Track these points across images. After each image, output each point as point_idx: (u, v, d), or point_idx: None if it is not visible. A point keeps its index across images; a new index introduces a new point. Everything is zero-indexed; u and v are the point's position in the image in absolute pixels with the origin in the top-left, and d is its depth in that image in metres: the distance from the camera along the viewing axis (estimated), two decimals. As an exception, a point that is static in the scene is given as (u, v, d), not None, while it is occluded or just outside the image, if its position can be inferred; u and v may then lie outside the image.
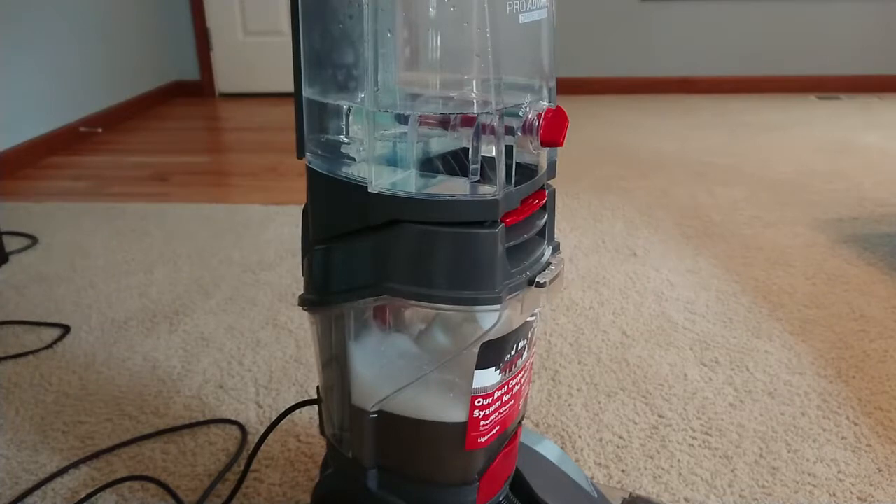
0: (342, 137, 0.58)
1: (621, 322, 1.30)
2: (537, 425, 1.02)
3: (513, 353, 0.61)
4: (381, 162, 0.56)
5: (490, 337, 0.57)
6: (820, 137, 2.58)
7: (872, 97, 3.24)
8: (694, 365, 1.16)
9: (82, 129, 2.62)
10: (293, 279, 1.48)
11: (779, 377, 1.12)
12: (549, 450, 0.80)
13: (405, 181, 0.55)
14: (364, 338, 0.62)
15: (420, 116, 0.53)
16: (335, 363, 0.63)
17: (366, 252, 0.56)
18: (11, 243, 1.69)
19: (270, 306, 1.37)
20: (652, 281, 1.45)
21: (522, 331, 0.61)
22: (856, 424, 1.01)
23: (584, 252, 1.60)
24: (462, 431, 0.60)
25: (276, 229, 1.75)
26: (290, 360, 1.19)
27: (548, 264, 0.60)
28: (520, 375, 0.64)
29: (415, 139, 0.55)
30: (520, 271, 0.57)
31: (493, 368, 0.59)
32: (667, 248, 1.62)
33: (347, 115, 0.57)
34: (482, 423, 0.61)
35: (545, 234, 0.62)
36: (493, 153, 0.54)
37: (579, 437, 1.00)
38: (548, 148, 0.55)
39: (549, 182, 0.62)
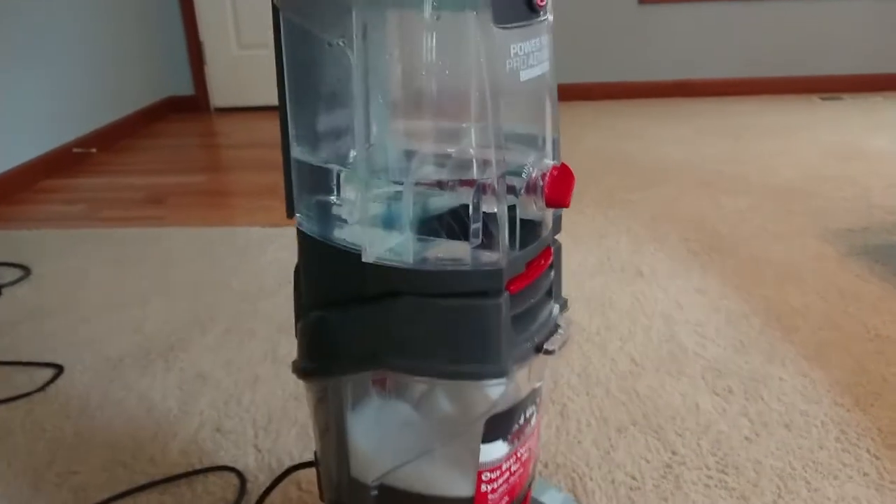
0: (333, 199, 0.54)
1: (629, 349, 1.26)
2: (546, 465, 0.98)
3: (521, 421, 0.57)
4: (375, 223, 0.53)
5: (497, 410, 0.53)
6: (825, 141, 2.54)
7: (876, 97, 3.19)
8: (706, 394, 1.12)
9: (76, 149, 2.59)
10: (292, 309, 1.44)
11: (794, 406, 1.09)
12: (553, 499, 0.76)
13: (402, 248, 0.51)
14: (362, 406, 0.58)
15: (416, 183, 0.49)
16: (332, 433, 0.59)
17: (362, 324, 0.53)
18: (4, 275, 1.66)
19: (269, 338, 1.34)
20: (660, 303, 1.42)
21: (531, 398, 0.57)
22: (877, 458, 0.97)
23: (588, 272, 1.56)
24: (469, 506, 0.57)
25: (276, 253, 1.72)
26: (289, 398, 1.16)
27: (556, 327, 0.56)
28: (529, 442, 0.60)
29: (410, 204, 0.51)
30: (526, 338, 0.53)
31: (501, 440, 0.56)
32: (674, 266, 1.58)
33: (338, 176, 0.54)
34: (490, 496, 0.57)
35: (552, 292, 0.58)
36: (494, 208, 0.50)
37: (590, 478, 0.96)
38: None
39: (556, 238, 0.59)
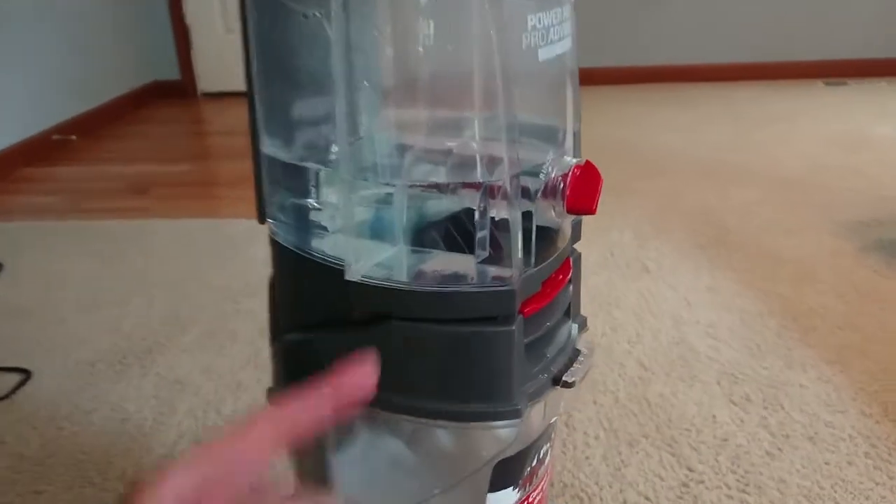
0: (311, 203, 0.46)
1: (638, 352, 1.18)
2: (552, 485, 0.90)
3: (534, 463, 0.49)
4: (361, 233, 0.44)
5: (506, 454, 0.45)
6: (830, 129, 2.46)
7: (881, 82, 3.11)
8: (722, 404, 1.05)
9: (55, 136, 2.48)
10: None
11: (818, 417, 1.01)
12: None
13: (393, 262, 0.43)
14: (347, 444, 0.50)
15: (410, 186, 0.41)
16: (312, 475, 0.51)
17: (346, 352, 0.44)
18: (-26, 271, 1.56)
19: (252, 341, 1.25)
20: (668, 301, 1.34)
21: (545, 435, 0.49)
22: (911, 476, 0.89)
23: (592, 268, 1.48)
24: (473, 561, 0.49)
25: (263, 246, 1.62)
26: (274, 408, 1.07)
27: (576, 353, 0.48)
28: (542, 483, 0.52)
29: (403, 209, 0.42)
30: (542, 369, 0.45)
31: (511, 487, 0.47)
32: (681, 261, 1.50)
33: (317, 176, 0.45)
34: (497, 548, 0.49)
35: (570, 311, 0.50)
36: (506, 216, 0.42)
37: (601, 499, 0.88)
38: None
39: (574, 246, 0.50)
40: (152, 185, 2.14)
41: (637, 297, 1.36)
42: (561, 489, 0.90)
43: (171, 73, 3.25)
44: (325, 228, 0.45)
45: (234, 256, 1.59)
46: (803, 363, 1.14)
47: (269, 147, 0.46)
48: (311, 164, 0.44)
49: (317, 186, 0.45)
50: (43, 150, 2.42)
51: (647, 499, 0.88)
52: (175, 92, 3.24)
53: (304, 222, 0.46)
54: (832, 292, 1.35)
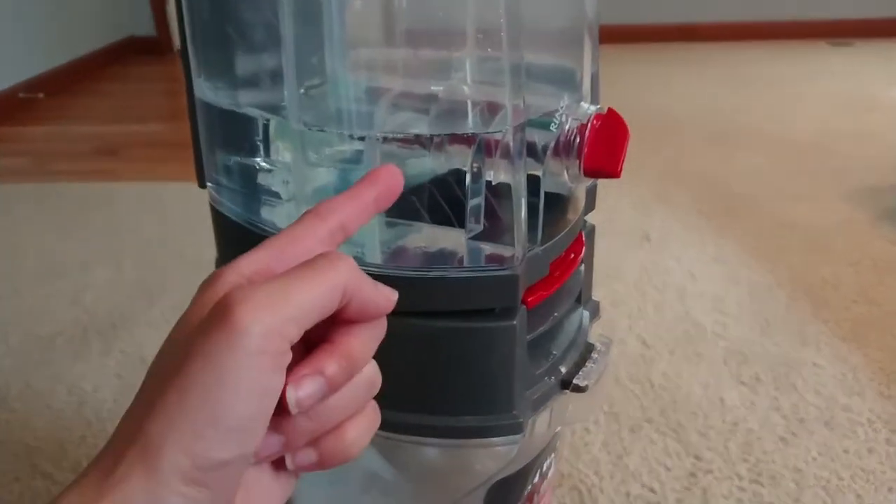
0: (259, 162, 0.36)
1: (640, 328, 1.10)
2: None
3: (535, 480, 0.40)
4: (320, 200, 0.35)
5: (505, 473, 0.36)
6: (839, 91, 2.36)
7: (888, 43, 3.00)
8: (731, 385, 0.97)
9: (21, 94, 2.34)
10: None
11: (835, 400, 0.94)
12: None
13: (362, 240, 0.33)
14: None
15: (385, 139, 0.31)
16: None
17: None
18: (-73, 237, 1.45)
19: (225, 315, 1.16)
20: (672, 273, 1.25)
21: (549, 447, 0.40)
22: (938, 466, 0.82)
23: (590, 236, 1.39)
24: None
25: (237, 213, 1.53)
26: (246, 388, 0.99)
27: (588, 350, 0.39)
28: (545, 497, 0.43)
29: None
30: (548, 370, 0.36)
31: (508, 511, 0.39)
32: (685, 230, 1.41)
33: (266, 129, 0.35)
34: (491, 580, 0.41)
35: (580, 296, 0.41)
36: (506, 179, 0.33)
37: (601, 490, 0.81)
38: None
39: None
40: (122, 147, 2.02)
41: (639, 268, 1.28)
42: (558, 480, 0.82)
43: (147, 29, 3.09)
44: (276, 196, 0.36)
45: (208, 224, 1.49)
46: (817, 340, 1.06)
47: (205, 90, 0.36)
48: (256, 112, 0.35)
49: (265, 141, 0.36)
50: (7, 108, 2.28)
51: (652, 491, 0.80)
52: (150, 48, 3.09)
53: (251, 187, 0.37)
54: (845, 262, 1.27)
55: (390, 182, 0.27)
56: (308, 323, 0.23)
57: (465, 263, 0.32)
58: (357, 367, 0.25)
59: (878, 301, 1.15)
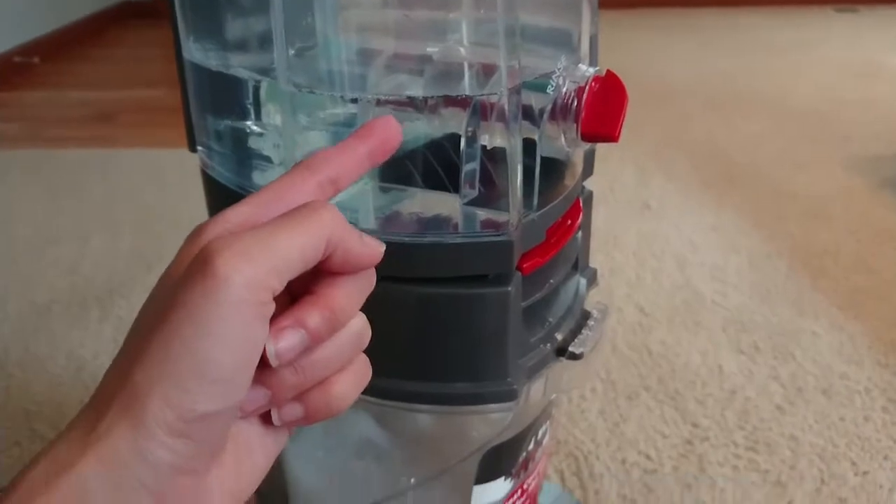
0: (250, 126, 0.35)
1: (638, 296, 1.10)
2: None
3: (530, 448, 0.40)
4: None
5: (499, 441, 0.36)
6: (844, 58, 2.33)
7: (894, 9, 2.95)
8: (730, 353, 0.97)
9: (16, 59, 2.31)
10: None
11: (832, 368, 0.94)
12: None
13: (355, 205, 0.33)
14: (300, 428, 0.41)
15: (378, 101, 0.31)
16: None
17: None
18: (-77, 204, 1.45)
19: (223, 282, 1.16)
20: (671, 241, 1.25)
21: (545, 414, 0.40)
22: (933, 434, 0.83)
23: (590, 204, 1.38)
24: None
25: (235, 180, 1.51)
26: (244, 355, 0.99)
27: (585, 317, 0.38)
28: (539, 466, 0.44)
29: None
30: (544, 337, 0.36)
31: (502, 478, 0.39)
32: (685, 198, 1.40)
33: (256, 91, 0.34)
34: (485, 545, 0.41)
35: (578, 264, 0.40)
36: (502, 143, 0.32)
37: (597, 458, 0.81)
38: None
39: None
40: (119, 112, 2.00)
41: (638, 236, 1.27)
42: (554, 446, 0.83)
43: (143, -9, 3.04)
44: (267, 160, 0.35)
45: (206, 190, 1.48)
46: (815, 309, 1.06)
47: (194, 52, 0.35)
48: (246, 74, 0.34)
49: (256, 105, 0.35)
50: (2, 73, 2.26)
51: (648, 458, 0.81)
52: (148, 12, 3.04)
53: (241, 151, 0.36)
54: (845, 231, 1.26)
55: (386, 134, 0.26)
56: (290, 273, 0.22)
57: (460, 229, 0.32)
58: (341, 319, 0.24)
59: (877, 269, 1.15)
